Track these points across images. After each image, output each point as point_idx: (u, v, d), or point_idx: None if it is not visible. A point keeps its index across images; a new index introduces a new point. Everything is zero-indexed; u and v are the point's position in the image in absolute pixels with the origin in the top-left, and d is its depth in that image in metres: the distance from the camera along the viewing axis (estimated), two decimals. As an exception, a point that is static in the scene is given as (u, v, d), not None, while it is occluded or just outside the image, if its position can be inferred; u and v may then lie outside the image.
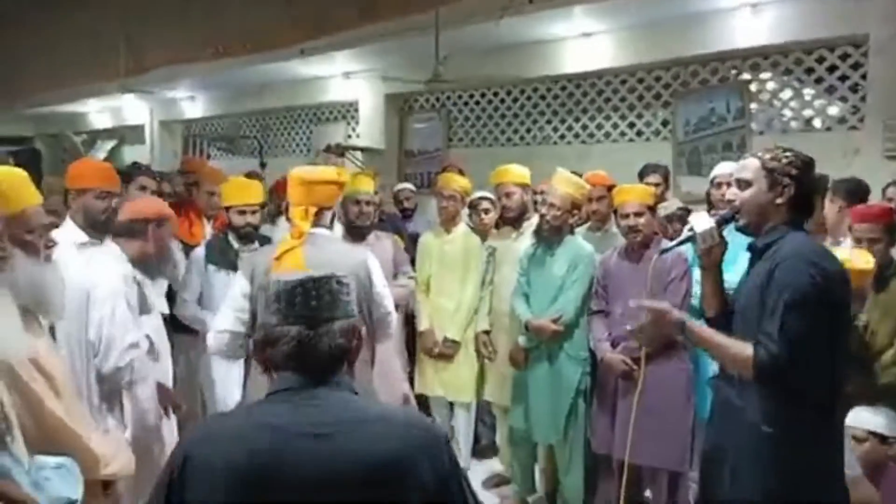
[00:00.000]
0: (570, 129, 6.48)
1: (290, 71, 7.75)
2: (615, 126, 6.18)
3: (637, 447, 2.78)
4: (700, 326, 2.13)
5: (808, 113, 5.18)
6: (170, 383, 3.28)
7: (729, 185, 2.79)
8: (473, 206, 4.33)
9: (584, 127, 6.38)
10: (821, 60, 4.98)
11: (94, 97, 10.61)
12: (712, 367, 2.85)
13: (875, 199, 3.82)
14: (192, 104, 10.20)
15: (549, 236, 3.53)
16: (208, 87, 9.37)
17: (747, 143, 5.14)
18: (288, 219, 2.79)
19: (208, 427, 1.44)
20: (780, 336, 1.90)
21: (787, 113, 5.27)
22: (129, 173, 3.94)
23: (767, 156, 2.07)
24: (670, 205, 3.99)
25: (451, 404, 4.26)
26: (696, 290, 2.66)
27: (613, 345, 3.30)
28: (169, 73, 8.42)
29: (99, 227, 2.80)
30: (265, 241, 3.56)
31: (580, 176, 3.81)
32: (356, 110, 8.04)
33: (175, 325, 3.45)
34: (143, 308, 2.74)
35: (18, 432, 1.66)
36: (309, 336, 1.37)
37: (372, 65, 7.37)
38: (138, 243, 2.84)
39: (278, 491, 1.29)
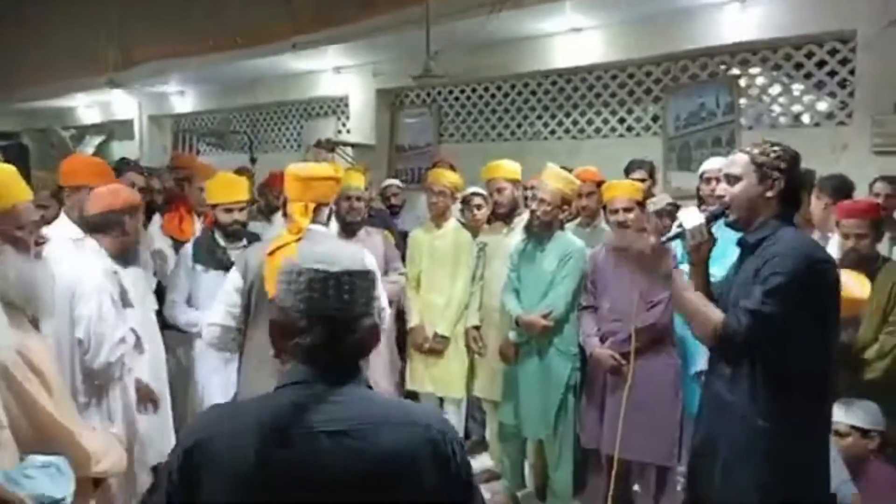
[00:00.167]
0: (560, 124, 6.49)
1: (280, 66, 7.72)
2: (606, 121, 6.19)
3: (625, 442, 2.80)
4: (685, 283, 2.12)
5: (796, 108, 5.20)
6: (163, 375, 3.29)
7: (718, 180, 2.81)
8: (466, 202, 4.33)
9: (575, 122, 6.39)
10: (809, 56, 5.01)
11: (82, 92, 10.53)
12: (700, 363, 2.87)
13: (862, 194, 3.85)
14: (182, 99, 10.14)
15: (540, 231, 3.54)
16: (198, 81, 9.32)
17: (736, 138, 5.17)
18: (285, 215, 2.78)
19: (215, 419, 1.33)
20: (754, 312, 1.92)
21: (776, 108, 5.30)
22: (118, 169, 3.92)
23: (756, 150, 2.09)
24: (660, 200, 4.00)
25: (441, 400, 4.27)
26: None
27: (602, 340, 3.31)
28: (158, 67, 8.38)
29: None
30: (254, 238, 3.53)
31: (570, 171, 3.82)
32: (347, 105, 8.01)
33: (164, 322, 3.44)
34: (125, 301, 2.72)
35: (7, 433, 1.66)
36: (340, 330, 1.32)
37: (363, 60, 7.35)
38: (116, 236, 2.78)
39: (298, 490, 1.24)
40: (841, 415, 2.63)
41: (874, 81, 4.57)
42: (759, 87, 5.33)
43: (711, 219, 2.16)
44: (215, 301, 2.75)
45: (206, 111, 10.16)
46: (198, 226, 4.13)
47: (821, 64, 4.97)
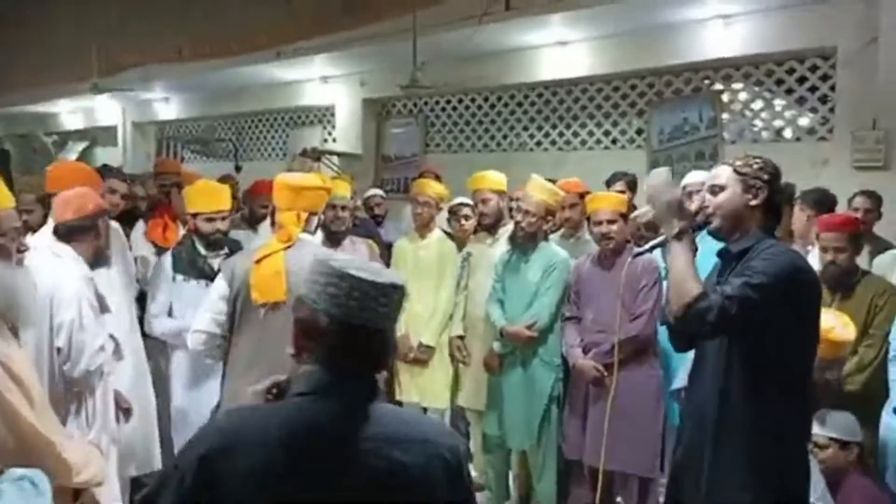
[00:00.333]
0: (546, 136, 6.53)
1: (266, 74, 7.71)
2: (591, 134, 6.24)
3: (608, 453, 2.81)
4: (689, 248, 2.05)
5: (778, 123, 5.28)
6: (147, 381, 3.26)
7: (699, 191, 2.84)
8: (454, 213, 4.35)
9: (561, 134, 6.43)
10: (791, 72, 5.09)
11: (66, 97, 10.46)
12: (680, 380, 2.88)
13: (842, 208, 3.90)
14: (166, 106, 10.10)
15: (524, 242, 3.55)
16: (183, 88, 9.29)
17: (719, 152, 5.23)
18: (273, 223, 2.77)
19: (235, 427, 1.27)
20: (731, 297, 1.91)
21: (758, 123, 5.38)
22: (100, 175, 3.88)
23: (738, 162, 2.12)
24: (647, 212, 4.02)
25: (425, 410, 4.26)
26: None
27: (585, 351, 3.32)
28: (143, 73, 8.34)
29: None
30: (236, 246, 3.50)
31: (554, 182, 3.84)
32: (333, 114, 8.02)
33: (143, 331, 3.40)
34: (103, 307, 2.70)
35: None
36: (367, 340, 1.30)
37: (349, 69, 7.37)
38: (91, 241, 2.73)
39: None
40: (819, 427, 2.65)
41: (854, 97, 4.65)
42: (742, 103, 5.41)
43: (695, 228, 2.18)
44: (200, 308, 2.73)
45: (191, 118, 10.13)
46: (182, 233, 4.09)
47: (802, 80, 5.06)
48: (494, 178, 4.00)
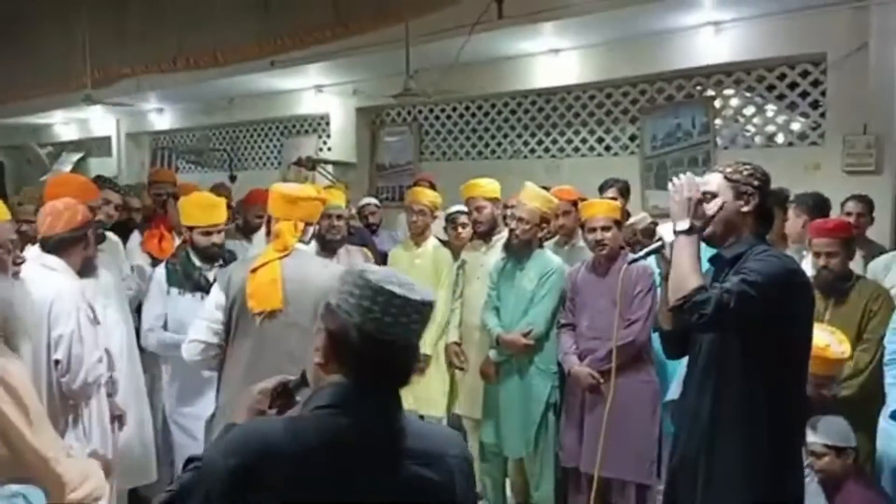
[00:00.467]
0: (540, 143, 6.55)
1: (260, 84, 7.72)
2: (584, 141, 6.27)
3: (605, 460, 2.81)
4: (694, 241, 2.06)
5: (770, 129, 5.31)
6: (142, 389, 3.25)
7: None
8: (451, 221, 4.36)
9: (554, 141, 6.45)
10: (782, 78, 5.12)
11: (59, 108, 10.43)
12: (673, 392, 2.88)
13: (834, 213, 3.92)
14: (161, 116, 10.09)
15: (519, 250, 3.56)
16: (177, 99, 9.28)
17: (712, 157, 5.26)
18: (268, 233, 2.78)
19: (264, 438, 1.25)
20: (729, 291, 1.92)
21: (751, 129, 5.40)
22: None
23: (728, 169, 2.13)
24: (643, 219, 4.04)
25: (421, 418, 4.26)
26: None
27: (581, 358, 3.33)
28: (136, 84, 8.33)
29: None
30: (231, 257, 3.49)
31: (548, 190, 3.86)
32: (327, 123, 8.03)
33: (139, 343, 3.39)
34: (95, 319, 2.70)
35: None
36: (397, 356, 1.30)
37: (343, 78, 7.38)
38: (80, 252, 2.73)
39: None
40: (814, 435, 2.65)
41: (845, 103, 4.69)
42: (734, 108, 5.44)
43: (650, 254, 2.21)
44: (196, 318, 2.73)
45: (185, 128, 10.12)
46: (177, 243, 4.07)
47: (793, 85, 5.09)
48: (488, 186, 4.02)
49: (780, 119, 5.25)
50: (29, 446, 1.85)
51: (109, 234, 3.72)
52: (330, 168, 7.29)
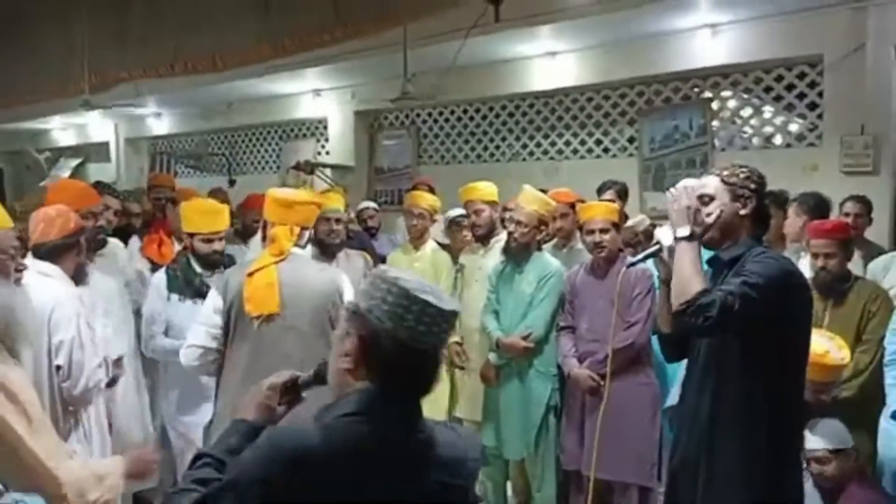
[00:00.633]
0: (538, 145, 6.56)
1: (258, 88, 7.73)
2: (582, 143, 6.28)
3: (606, 462, 2.81)
4: (696, 247, 2.06)
5: (767, 130, 5.32)
6: (144, 396, 3.25)
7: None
8: (456, 223, 4.36)
9: (553, 144, 6.46)
10: (779, 79, 5.13)
11: (57, 114, 10.44)
12: (673, 397, 2.88)
13: (833, 214, 3.93)
14: (159, 121, 10.10)
15: (517, 253, 3.56)
16: (175, 103, 9.29)
17: (710, 159, 5.27)
18: (264, 238, 2.79)
19: (294, 445, 1.24)
20: (732, 293, 1.93)
21: (748, 130, 5.41)
22: (95, 192, 3.88)
23: (725, 172, 2.14)
24: (641, 221, 4.05)
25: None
26: None
27: (580, 360, 3.33)
28: (134, 89, 8.33)
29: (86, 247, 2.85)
30: (230, 262, 3.49)
31: (546, 192, 3.86)
32: (325, 127, 8.04)
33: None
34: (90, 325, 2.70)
35: None
36: (425, 364, 1.32)
37: (341, 82, 7.39)
38: (72, 258, 2.72)
39: None
40: (815, 442, 2.64)
41: (842, 104, 4.70)
42: (731, 110, 5.45)
43: (648, 257, 2.22)
44: (194, 323, 2.74)
45: (184, 133, 10.13)
46: (177, 248, 4.07)
47: (790, 87, 5.10)
48: (486, 189, 4.02)
49: (778, 120, 5.26)
50: (30, 453, 1.84)
51: (112, 240, 3.72)
52: (328, 172, 7.30)
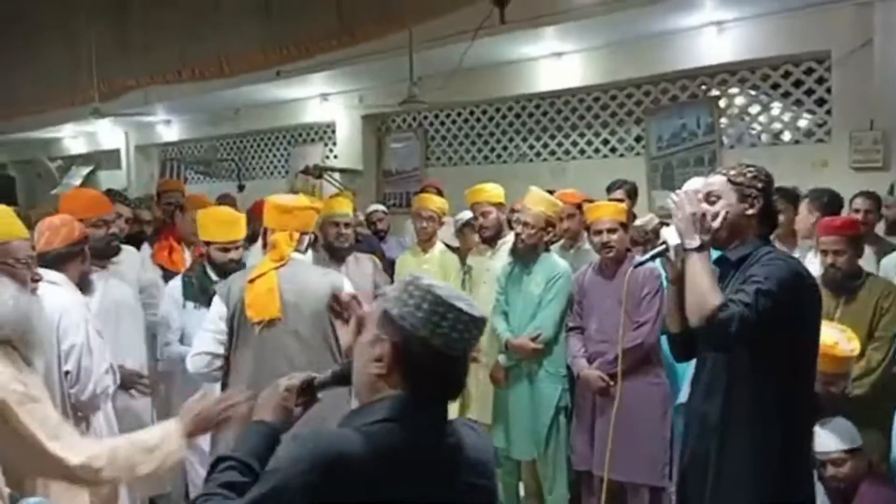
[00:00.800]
0: (545, 146, 6.56)
1: (266, 93, 7.77)
2: (589, 143, 6.27)
3: (616, 463, 2.80)
4: (707, 256, 2.03)
5: (776, 127, 5.30)
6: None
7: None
8: (469, 225, 4.37)
9: (560, 144, 6.46)
10: (786, 75, 5.11)
11: (68, 122, 10.53)
12: (684, 394, 2.88)
13: (843, 210, 3.90)
14: (168, 128, 10.17)
15: (525, 254, 3.56)
16: (184, 110, 9.36)
17: (718, 157, 5.25)
18: (264, 244, 2.81)
19: (328, 449, 1.24)
20: (748, 305, 1.92)
21: (756, 127, 5.39)
22: (107, 200, 3.91)
23: (732, 171, 2.13)
24: (650, 220, 4.04)
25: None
26: None
27: (590, 361, 3.33)
28: (143, 96, 8.39)
29: (99, 254, 2.95)
30: (239, 266, 3.50)
31: (552, 193, 3.86)
32: (333, 131, 8.07)
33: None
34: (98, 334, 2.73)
35: None
36: (456, 371, 1.33)
37: (348, 86, 7.42)
38: (77, 267, 2.74)
39: None
40: (828, 443, 2.62)
41: (850, 99, 4.67)
42: (739, 107, 5.43)
43: (655, 257, 2.21)
44: (200, 330, 2.76)
45: (193, 139, 10.20)
46: (187, 255, 4.09)
47: (798, 83, 5.08)
48: (492, 191, 4.03)
49: (786, 117, 5.24)
50: (48, 453, 1.84)
51: (126, 247, 3.73)
52: (337, 176, 7.33)
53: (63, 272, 2.68)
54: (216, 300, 2.75)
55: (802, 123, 5.17)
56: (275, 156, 9.18)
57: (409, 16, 5.24)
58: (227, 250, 3.25)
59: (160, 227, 4.44)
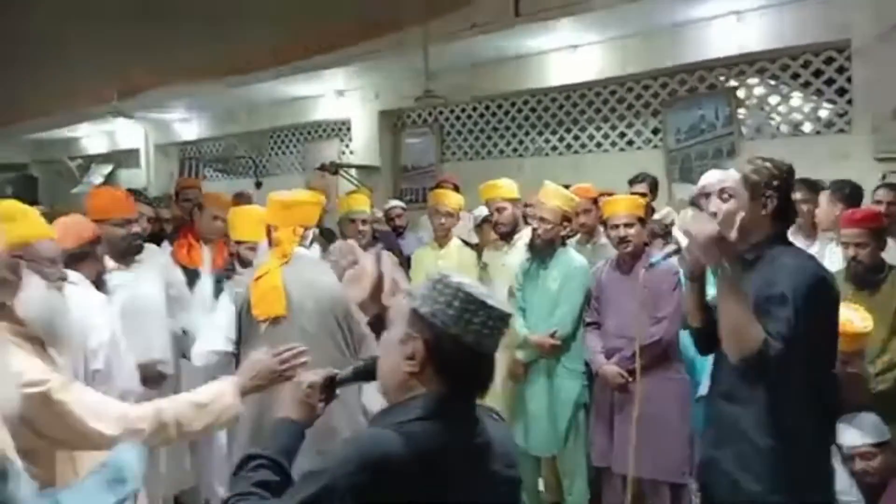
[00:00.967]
0: (561, 139, 6.52)
1: (283, 90, 7.80)
2: (606, 136, 6.23)
3: (636, 460, 2.79)
4: (735, 282, 1.98)
5: (796, 117, 5.22)
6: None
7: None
8: (488, 222, 4.38)
9: (576, 137, 6.42)
10: (806, 65, 5.03)
11: (87, 122, 10.65)
12: (705, 387, 2.86)
13: (866, 201, 3.84)
14: (187, 126, 10.25)
15: (542, 250, 3.56)
16: (202, 108, 9.43)
17: (737, 148, 5.19)
18: (270, 242, 2.82)
19: (377, 448, 1.26)
20: (786, 338, 1.91)
21: (776, 118, 5.31)
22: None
23: (748, 168, 2.09)
24: (669, 213, 4.02)
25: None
26: None
27: (608, 356, 3.31)
28: (162, 95, 8.46)
29: (122, 253, 3.02)
30: None
31: (568, 188, 3.85)
32: (349, 128, 8.09)
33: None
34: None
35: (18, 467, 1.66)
36: (485, 367, 1.35)
37: (364, 82, 7.43)
38: (90, 267, 2.76)
39: None
40: (855, 437, 2.59)
41: (871, 88, 4.59)
42: (758, 98, 5.36)
43: (669, 256, 2.19)
44: (210, 329, 2.78)
45: (211, 137, 10.26)
46: (205, 252, 4.10)
47: (818, 73, 5.00)
48: (507, 187, 4.02)
49: (806, 107, 5.16)
50: (93, 432, 1.86)
51: (149, 245, 3.76)
52: (353, 172, 7.35)
53: (78, 272, 2.71)
54: (224, 299, 2.78)
55: (823, 114, 5.09)
56: (291, 153, 9.22)
57: (424, 11, 5.24)
58: (256, 249, 3.27)
59: (179, 225, 4.47)
